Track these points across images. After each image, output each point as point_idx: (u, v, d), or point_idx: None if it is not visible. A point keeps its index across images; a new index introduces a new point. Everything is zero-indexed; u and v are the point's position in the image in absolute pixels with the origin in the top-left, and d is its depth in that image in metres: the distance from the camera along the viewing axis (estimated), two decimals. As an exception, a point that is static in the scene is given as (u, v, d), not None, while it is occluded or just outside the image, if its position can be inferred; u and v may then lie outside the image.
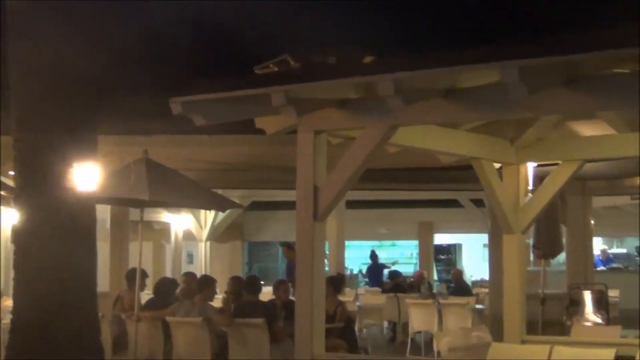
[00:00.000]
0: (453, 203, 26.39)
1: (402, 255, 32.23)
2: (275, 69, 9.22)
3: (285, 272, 14.55)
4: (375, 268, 24.47)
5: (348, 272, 27.68)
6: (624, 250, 29.12)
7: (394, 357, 15.93)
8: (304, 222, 7.41)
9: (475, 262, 29.85)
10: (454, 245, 32.16)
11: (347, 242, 24.09)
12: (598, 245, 26.90)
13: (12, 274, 10.05)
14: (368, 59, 8.70)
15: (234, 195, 21.13)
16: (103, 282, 15.11)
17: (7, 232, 15.65)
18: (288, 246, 17.99)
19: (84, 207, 10.05)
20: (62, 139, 9.81)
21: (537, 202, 9.29)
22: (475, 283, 24.37)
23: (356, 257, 30.75)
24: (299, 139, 7.40)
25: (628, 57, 5.96)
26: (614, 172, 14.76)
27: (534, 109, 6.72)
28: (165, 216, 23.71)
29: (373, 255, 24.83)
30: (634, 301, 18.07)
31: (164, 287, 13.21)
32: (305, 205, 7.39)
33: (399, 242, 32.72)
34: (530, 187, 9.70)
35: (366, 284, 24.09)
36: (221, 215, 24.53)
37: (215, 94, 7.02)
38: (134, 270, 13.46)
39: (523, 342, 9.16)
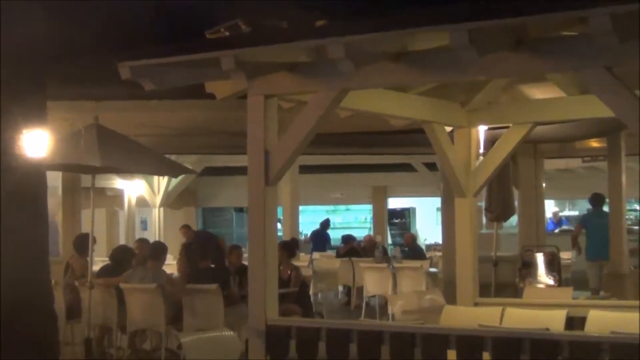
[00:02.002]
0: (406, 167, 26.49)
1: (356, 220, 32.39)
2: (227, 33, 9.12)
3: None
4: (321, 234, 24.57)
5: (302, 237, 27.76)
6: (575, 213, 29.43)
7: (351, 320, 16.00)
8: (256, 186, 7.39)
9: (429, 226, 30.08)
10: (408, 209, 32.33)
11: (301, 207, 24.06)
12: (550, 207, 27.17)
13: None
14: (320, 23, 8.64)
15: (188, 161, 21.05)
16: (55, 249, 15.06)
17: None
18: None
19: (34, 174, 9.93)
20: (10, 105, 9.67)
21: (489, 165, 9.33)
22: (429, 247, 24.55)
23: (310, 222, 30.82)
24: (249, 104, 7.35)
25: (577, 20, 5.98)
26: (564, 134, 14.87)
27: (483, 71, 6.73)
28: (118, 182, 23.61)
29: (324, 223, 24.83)
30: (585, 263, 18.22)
31: (122, 255, 13.16)
32: (256, 170, 7.36)
33: (352, 207, 32.86)
34: (481, 150, 9.75)
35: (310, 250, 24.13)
36: (174, 181, 24.45)
37: (164, 59, 6.96)
38: (81, 236, 13.43)
39: (476, 304, 9.23)
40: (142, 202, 24.95)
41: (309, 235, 26.37)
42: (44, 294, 10.08)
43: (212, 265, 12.93)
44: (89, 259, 12.31)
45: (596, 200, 16.84)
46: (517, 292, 13.22)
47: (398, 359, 6.73)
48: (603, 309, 8.35)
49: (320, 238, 24.57)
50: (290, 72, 7.18)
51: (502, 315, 8.45)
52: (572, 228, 21.71)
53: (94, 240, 13.37)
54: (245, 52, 6.83)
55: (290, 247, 13.62)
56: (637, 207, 27.02)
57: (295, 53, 6.93)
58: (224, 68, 6.76)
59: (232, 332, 11.00)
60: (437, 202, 22.62)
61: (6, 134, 9.59)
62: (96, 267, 13.14)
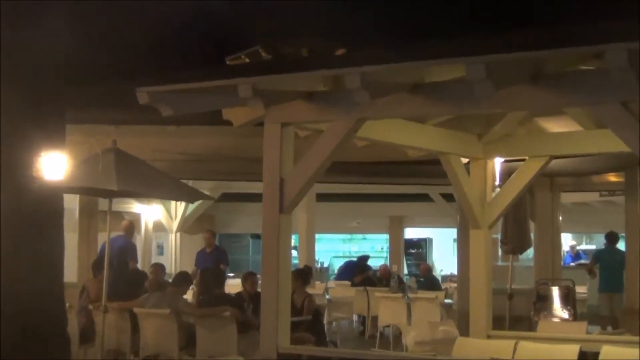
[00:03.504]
0: (424, 197, 26.41)
1: (372, 249, 32.28)
2: (247, 60, 9.17)
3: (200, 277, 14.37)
4: (355, 266, 24.18)
5: (318, 265, 27.67)
6: (592, 247, 29.27)
7: (362, 350, 15.95)
8: (270, 214, 7.41)
9: (445, 257, 29.97)
10: (425, 240, 32.24)
11: (317, 235, 24.02)
12: (567, 241, 27.06)
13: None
14: (340, 52, 8.68)
15: (205, 187, 21.06)
16: (71, 272, 15.07)
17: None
18: (210, 232, 17.66)
19: (51, 197, 9.96)
20: (29, 128, 9.73)
21: (504, 198, 9.33)
22: (445, 277, 24.44)
23: (327, 250, 30.80)
24: (266, 131, 7.39)
25: (594, 54, 5.99)
26: (581, 168, 14.83)
27: (500, 104, 6.75)
28: (135, 207, 23.62)
29: (364, 258, 24.24)
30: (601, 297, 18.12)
31: (134, 280, 13.16)
32: (271, 197, 7.39)
33: (369, 236, 32.79)
34: (497, 182, 9.75)
35: (337, 276, 23.95)
36: (192, 206, 24.46)
37: (182, 84, 7.00)
38: (100, 260, 13.41)
39: (489, 337, 9.21)
40: (159, 227, 24.96)
41: (342, 263, 25.93)
42: (58, 317, 10.08)
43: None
44: (105, 283, 12.31)
45: (611, 238, 17.34)
46: (531, 326, 13.16)
47: (409, 390, 6.72)
48: (616, 345, 8.30)
49: (353, 269, 24.03)
50: (308, 101, 7.21)
51: (515, 348, 8.41)
52: (588, 262, 21.72)
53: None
54: (263, 80, 6.86)
55: (304, 275, 13.59)
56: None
57: (313, 82, 6.96)
58: (241, 95, 6.80)
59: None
60: (454, 233, 22.51)
61: (25, 156, 9.64)
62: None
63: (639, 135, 6.09)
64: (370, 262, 23.49)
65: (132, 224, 17.42)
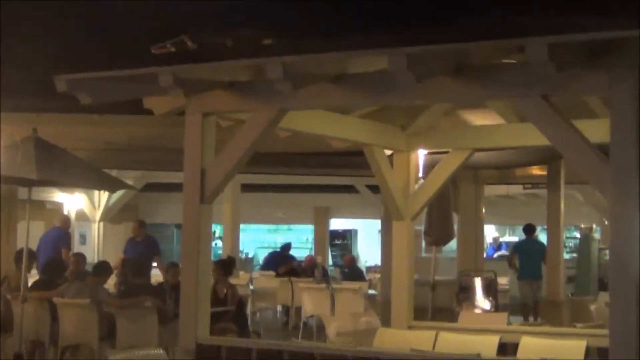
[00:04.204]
0: (349, 189, 26.50)
1: (298, 240, 32.29)
2: (173, 49, 9.05)
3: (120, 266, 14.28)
4: (279, 256, 24.12)
5: (243, 256, 27.59)
6: (515, 238, 29.63)
7: (286, 341, 15.94)
8: (191, 204, 7.35)
9: (370, 248, 30.08)
10: (350, 231, 32.34)
11: (242, 226, 23.96)
12: (491, 233, 27.36)
13: None
14: (267, 42, 8.61)
15: (129, 176, 20.89)
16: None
17: None
18: (139, 222, 17.49)
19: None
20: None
21: (427, 190, 9.37)
22: (369, 268, 24.54)
23: (252, 240, 30.73)
24: (187, 121, 7.32)
25: (515, 48, 6.01)
26: (504, 161, 14.97)
27: (422, 96, 6.76)
28: (58, 196, 23.33)
29: (286, 247, 24.13)
30: (523, 289, 18.39)
31: (51, 268, 12.97)
32: (192, 187, 7.32)
33: (294, 227, 32.79)
34: (420, 174, 9.78)
35: (262, 266, 23.90)
36: (115, 196, 24.25)
37: (101, 72, 6.89)
38: (22, 250, 13.22)
39: (410, 327, 9.24)
40: (81, 216, 24.68)
41: (266, 254, 25.85)
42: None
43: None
44: (24, 272, 12.12)
45: (528, 229, 18.32)
46: (454, 317, 13.23)
47: (328, 381, 6.70)
48: (535, 336, 8.38)
49: (277, 259, 23.95)
50: (229, 91, 7.15)
51: (436, 339, 8.45)
52: (507, 253, 22.28)
53: (34, 256, 13.20)
54: (184, 69, 6.79)
55: (226, 265, 13.50)
56: (577, 235, 27.26)
57: (234, 71, 6.90)
58: (162, 84, 6.71)
59: (162, 351, 10.88)
60: (379, 224, 22.65)
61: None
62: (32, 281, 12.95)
63: (558, 128, 6.14)
64: (295, 253, 23.48)
65: (68, 217, 17.48)
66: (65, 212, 23.69)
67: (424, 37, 6.01)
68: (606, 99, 6.60)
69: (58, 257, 14.52)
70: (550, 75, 5.82)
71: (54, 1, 9.70)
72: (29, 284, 12.51)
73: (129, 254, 15.73)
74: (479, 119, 9.53)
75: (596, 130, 6.73)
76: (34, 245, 13.03)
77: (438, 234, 14.16)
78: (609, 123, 5.92)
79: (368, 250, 30.55)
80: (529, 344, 8.05)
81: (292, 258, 21.93)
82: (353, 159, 12.86)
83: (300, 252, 26.82)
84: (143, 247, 16.05)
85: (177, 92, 6.86)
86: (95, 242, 24.49)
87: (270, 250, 25.94)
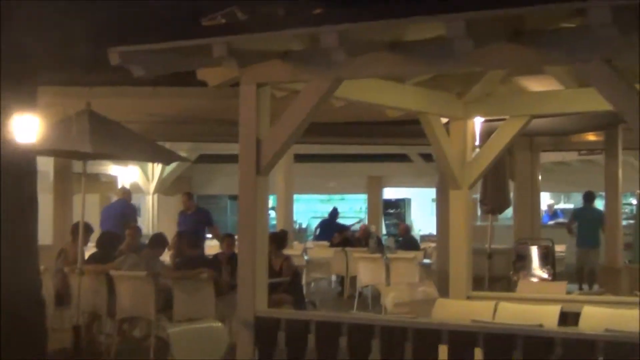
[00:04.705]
0: (402, 157, 26.35)
1: (351, 210, 32.25)
2: (223, 20, 9.00)
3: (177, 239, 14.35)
4: (330, 224, 24.26)
5: (297, 226, 27.59)
6: (571, 206, 29.35)
7: (342, 311, 15.95)
8: (247, 176, 7.28)
9: (424, 217, 29.99)
10: (403, 200, 32.23)
11: (295, 196, 23.94)
12: (545, 200, 27.08)
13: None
14: (318, 11, 8.51)
15: (182, 149, 20.93)
16: (47, 235, 14.94)
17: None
18: (187, 195, 17.51)
19: (24, 159, 9.83)
20: (1, 89, 9.56)
21: (484, 158, 9.23)
22: (423, 237, 24.44)
23: (305, 210, 30.70)
24: (242, 92, 7.24)
25: (575, 12, 5.86)
26: (561, 128, 14.76)
27: (480, 63, 6.61)
28: (112, 168, 23.45)
29: (333, 212, 24.37)
30: (580, 256, 18.24)
31: (107, 241, 13.04)
32: (247, 159, 7.25)
33: (348, 196, 32.74)
34: (477, 142, 9.64)
35: (316, 238, 23.95)
36: (169, 168, 24.30)
37: (154, 45, 6.82)
38: (78, 223, 13.30)
39: (469, 297, 9.14)
40: (136, 189, 24.77)
41: (317, 224, 26.02)
42: (32, 280, 9.98)
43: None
44: (80, 245, 12.20)
45: (588, 197, 18.29)
46: (510, 285, 13.15)
47: (389, 353, 6.63)
48: (597, 305, 8.25)
49: (328, 228, 24.14)
50: (284, 61, 7.05)
51: (495, 309, 8.35)
52: (566, 221, 22.07)
53: (91, 229, 13.28)
54: (238, 40, 6.70)
55: (279, 239, 13.47)
56: (633, 202, 26.89)
57: (288, 41, 6.81)
58: (215, 55, 6.64)
59: (220, 324, 10.91)
60: (432, 193, 22.50)
61: (-3, 118, 9.48)
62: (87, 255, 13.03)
63: (622, 93, 5.99)
64: (349, 223, 23.46)
65: (129, 190, 17.79)
66: (120, 185, 23.85)
67: (480, 2, 5.88)
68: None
69: (114, 230, 14.60)
70: (613, 38, 5.67)
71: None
72: (86, 257, 12.60)
73: (182, 227, 15.81)
74: (535, 85, 9.35)
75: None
76: (89, 218, 13.09)
77: (494, 203, 14.03)
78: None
79: (422, 219, 30.45)
80: (590, 313, 7.92)
81: (345, 226, 21.87)
82: (406, 127, 12.75)
83: (355, 221, 26.80)
84: (195, 219, 16.12)
85: (231, 63, 6.78)
86: (150, 215, 24.59)
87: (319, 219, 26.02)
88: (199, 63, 7.34)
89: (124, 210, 16.54)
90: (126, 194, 17.44)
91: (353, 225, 24.92)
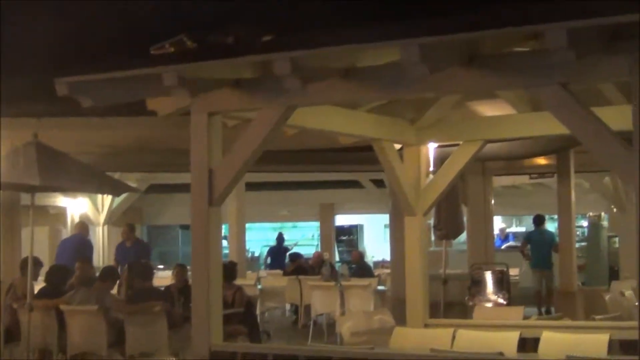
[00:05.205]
0: (354, 184, 26.32)
1: (303, 237, 32.11)
2: (172, 49, 8.87)
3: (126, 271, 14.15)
4: (278, 250, 24.24)
5: (249, 255, 27.41)
6: (522, 229, 29.46)
7: (297, 340, 15.82)
8: (199, 207, 7.16)
9: (377, 243, 29.90)
10: (356, 226, 32.15)
11: (248, 224, 23.79)
12: (497, 224, 27.15)
13: None
14: (267, 38, 8.42)
15: (132, 179, 20.69)
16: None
17: None
18: (128, 227, 17.37)
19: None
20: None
21: (439, 184, 9.17)
22: (377, 264, 24.35)
23: (258, 239, 30.52)
24: (193, 121, 7.12)
25: (530, 35, 5.81)
26: (514, 152, 14.78)
27: (434, 88, 6.56)
28: (61, 200, 23.12)
29: (279, 238, 24.48)
30: (533, 279, 18.35)
31: (57, 275, 12.79)
32: (199, 189, 7.12)
33: (300, 224, 32.61)
34: (431, 168, 9.58)
35: (267, 266, 23.86)
36: (119, 199, 24.05)
37: (102, 74, 6.69)
38: (27, 258, 13.07)
39: (426, 325, 9.05)
40: (85, 220, 24.46)
41: (265, 252, 26.03)
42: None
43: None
44: (29, 280, 11.95)
45: (538, 220, 18.96)
46: (467, 311, 13.05)
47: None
48: (556, 330, 8.18)
49: (277, 254, 24.12)
50: (235, 89, 6.96)
51: (454, 337, 8.25)
52: (518, 244, 22.33)
53: (40, 263, 13.04)
54: (188, 68, 6.59)
55: (229, 270, 13.23)
56: (584, 224, 27.06)
57: (240, 68, 6.71)
58: (165, 84, 6.51)
59: (173, 359, 10.71)
60: (385, 219, 22.47)
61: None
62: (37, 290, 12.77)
63: (579, 117, 5.94)
64: (302, 251, 23.34)
65: (86, 224, 17.46)
66: (69, 217, 23.56)
67: (435, 27, 5.81)
68: (625, 85, 6.37)
69: (63, 264, 14.35)
70: (569, 62, 5.61)
71: (52, 2, 9.54)
72: (36, 292, 12.35)
73: (120, 259, 15.63)
74: (489, 110, 9.33)
75: (614, 117, 6.51)
76: (39, 252, 12.85)
77: (448, 228, 13.93)
78: (631, 109, 5.72)
79: (374, 245, 30.36)
80: (550, 339, 7.85)
81: (297, 255, 21.76)
82: (357, 154, 12.68)
83: (307, 249, 26.67)
84: (134, 250, 15.93)
85: (182, 92, 6.66)
86: (100, 247, 24.27)
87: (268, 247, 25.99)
88: (149, 92, 7.21)
89: (78, 244, 16.23)
90: (83, 228, 17.12)
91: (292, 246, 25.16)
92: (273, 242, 25.84)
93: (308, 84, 6.41)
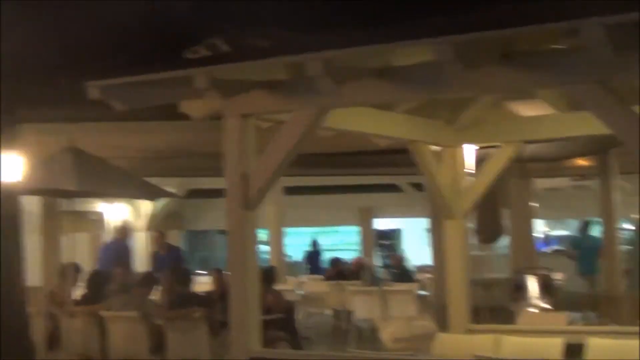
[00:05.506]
0: (392, 188, 26.20)
1: (343, 242, 32.05)
2: (207, 52, 8.85)
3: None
4: (313, 255, 24.30)
5: (289, 260, 27.39)
6: (565, 232, 29.17)
7: (338, 346, 15.75)
8: (234, 211, 7.07)
9: (417, 247, 29.72)
10: (396, 231, 32.01)
11: (288, 229, 23.74)
12: (540, 227, 26.91)
13: None
14: (303, 40, 8.35)
15: (172, 184, 20.68)
16: (36, 276, 14.68)
17: None
18: (159, 233, 17.39)
19: (8, 199, 9.66)
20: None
21: (478, 186, 9.02)
22: (418, 268, 24.21)
23: (298, 244, 30.45)
24: (225, 124, 7.03)
25: (567, 32, 5.66)
26: (554, 153, 14.57)
27: (470, 88, 6.41)
28: (100, 206, 23.18)
29: (314, 243, 24.58)
30: (577, 283, 18.10)
31: (97, 281, 12.81)
32: (234, 193, 7.04)
33: (340, 228, 32.53)
34: (473, 170, 9.43)
35: (308, 271, 23.92)
36: (159, 204, 24.07)
37: (134, 77, 6.62)
38: (66, 265, 13.15)
39: (468, 331, 8.89)
40: (126, 225, 24.47)
41: (303, 258, 26.10)
42: (20, 323, 9.79)
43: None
44: (70, 286, 12.00)
45: (584, 226, 19.11)
46: (510, 316, 12.88)
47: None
48: (602, 336, 7.97)
49: (315, 259, 24.20)
50: (268, 91, 6.84)
51: (497, 343, 8.09)
52: (561, 248, 22.22)
53: (79, 269, 13.08)
54: (220, 70, 6.50)
55: (268, 275, 13.17)
56: (630, 227, 26.70)
57: (272, 70, 6.61)
58: (197, 86, 6.42)
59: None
60: (424, 222, 22.32)
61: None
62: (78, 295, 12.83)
63: (619, 116, 5.78)
64: (342, 255, 23.28)
65: (126, 228, 17.45)
66: (105, 222, 23.60)
67: (469, 24, 5.69)
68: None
69: (102, 269, 14.38)
70: (607, 59, 5.45)
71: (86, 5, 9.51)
72: (76, 298, 12.38)
73: (158, 268, 15.63)
74: (527, 110, 9.15)
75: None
76: (79, 257, 12.89)
77: (489, 231, 13.82)
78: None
79: (415, 249, 30.19)
80: (596, 345, 7.64)
81: (338, 260, 21.69)
82: (395, 157, 12.55)
83: (348, 254, 26.59)
84: (168, 260, 15.92)
85: (213, 95, 6.58)
86: (141, 252, 24.29)
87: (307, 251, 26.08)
88: (181, 95, 7.13)
89: (119, 249, 16.28)
90: (124, 233, 17.16)
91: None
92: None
93: (341, 85, 6.29)
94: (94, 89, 6.80)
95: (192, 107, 7.47)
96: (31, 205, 14.96)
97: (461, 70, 5.70)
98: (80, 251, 15.82)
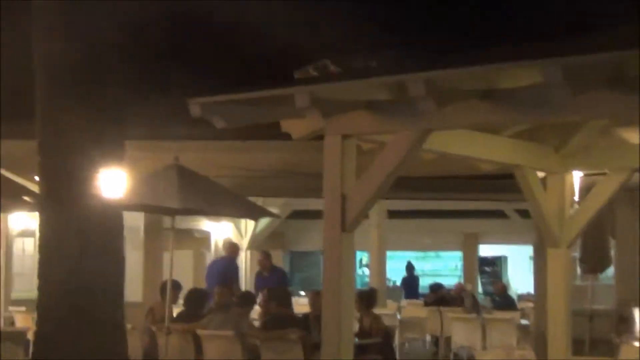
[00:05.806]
0: (498, 214, 25.88)
1: (445, 267, 31.75)
2: (315, 73, 8.81)
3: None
4: (409, 280, 24.11)
5: (390, 284, 27.24)
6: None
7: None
8: (332, 233, 6.98)
9: (521, 275, 29.26)
10: (500, 257, 31.57)
11: (389, 253, 23.57)
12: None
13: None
14: (409, 61, 8.25)
15: (276, 204, 20.76)
16: (136, 292, 14.83)
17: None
18: (264, 255, 17.37)
19: (111, 215, 9.75)
20: (88, 143, 9.52)
21: (584, 214, 8.76)
22: (521, 297, 23.82)
23: (400, 268, 30.30)
24: (326, 144, 6.95)
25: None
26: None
27: (578, 111, 6.20)
28: (205, 224, 23.37)
29: (409, 267, 24.41)
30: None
31: (195, 299, 12.85)
32: (332, 215, 6.95)
33: (442, 253, 32.23)
34: (576, 197, 9.19)
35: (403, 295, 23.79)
36: (262, 223, 24.17)
37: (235, 95, 6.60)
38: (167, 282, 13.21)
39: (569, 363, 8.65)
40: (234, 242, 24.61)
41: (399, 283, 25.96)
42: (118, 339, 9.84)
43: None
44: (168, 303, 12.06)
45: None
46: (612, 350, 12.53)
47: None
48: None
49: (411, 284, 24.01)
50: (369, 111, 6.74)
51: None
52: None
53: (179, 286, 13.15)
54: (321, 89, 6.44)
55: (368, 297, 13.05)
56: None
57: (374, 90, 6.50)
58: (298, 105, 6.37)
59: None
60: (530, 250, 21.95)
61: (84, 173, 9.44)
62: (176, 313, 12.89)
63: None
64: (443, 281, 23.02)
65: (235, 245, 17.49)
66: (213, 241, 23.77)
67: (577, 46, 5.51)
68: None
69: (202, 288, 14.44)
70: None
71: (198, 29, 9.62)
72: (174, 315, 12.43)
73: (260, 288, 15.61)
74: (637, 136, 8.88)
75: None
76: (182, 275, 12.96)
77: (595, 261, 13.48)
78: None
79: (519, 277, 29.72)
80: None
81: (439, 285, 21.48)
82: (501, 182, 12.34)
83: (450, 280, 26.31)
84: (271, 282, 15.89)
85: (314, 114, 6.50)
86: (243, 271, 24.40)
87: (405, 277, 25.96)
88: (282, 114, 7.09)
89: (226, 267, 16.34)
90: (232, 250, 17.22)
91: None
92: (417, 272, 25.80)
93: (444, 107, 6.17)
94: (195, 106, 6.80)
95: (293, 127, 7.42)
96: (136, 222, 15.15)
97: (569, 94, 5.54)
98: (183, 268, 15.90)
